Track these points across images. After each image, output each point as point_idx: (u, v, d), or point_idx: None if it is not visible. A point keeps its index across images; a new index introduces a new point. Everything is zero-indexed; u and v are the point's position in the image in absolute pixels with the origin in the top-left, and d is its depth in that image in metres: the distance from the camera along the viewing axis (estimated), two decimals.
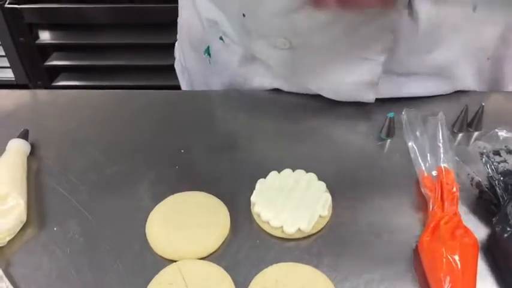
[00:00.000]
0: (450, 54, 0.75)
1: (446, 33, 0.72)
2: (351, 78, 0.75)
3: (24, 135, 0.73)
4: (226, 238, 0.61)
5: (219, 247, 0.60)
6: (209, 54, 0.87)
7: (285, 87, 0.82)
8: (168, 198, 0.65)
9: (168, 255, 0.59)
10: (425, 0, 0.67)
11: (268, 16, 0.70)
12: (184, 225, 0.62)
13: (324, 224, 0.63)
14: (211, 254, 0.59)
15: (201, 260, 0.59)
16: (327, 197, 0.64)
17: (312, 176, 0.67)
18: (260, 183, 0.66)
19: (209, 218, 0.63)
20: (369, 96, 0.77)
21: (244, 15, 0.71)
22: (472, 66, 0.79)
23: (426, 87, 0.80)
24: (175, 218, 0.63)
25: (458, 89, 0.81)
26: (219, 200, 0.65)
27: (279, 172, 0.68)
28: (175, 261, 0.58)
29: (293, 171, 0.68)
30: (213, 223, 0.62)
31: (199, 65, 0.91)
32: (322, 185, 0.66)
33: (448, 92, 0.81)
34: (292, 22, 0.68)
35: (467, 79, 0.80)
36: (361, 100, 0.77)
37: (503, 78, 0.83)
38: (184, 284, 0.55)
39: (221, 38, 0.81)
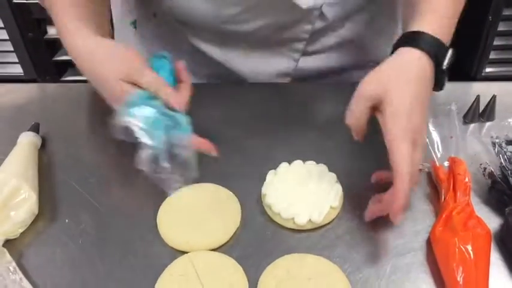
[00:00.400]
0: (357, 27, 0.82)
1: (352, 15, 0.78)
2: (270, 69, 0.86)
3: (35, 129, 0.73)
4: (237, 229, 0.61)
5: (230, 238, 0.60)
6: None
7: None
8: (179, 190, 0.65)
9: (179, 247, 0.59)
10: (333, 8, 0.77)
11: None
12: (195, 217, 0.62)
13: (335, 215, 0.62)
14: (222, 246, 0.59)
15: (213, 252, 0.59)
16: (338, 188, 0.64)
17: (323, 167, 0.67)
18: (271, 175, 0.66)
19: (220, 209, 0.63)
20: (284, 80, 0.88)
21: None
22: (381, 35, 0.85)
23: (339, 60, 0.87)
24: (186, 209, 0.63)
25: (371, 58, 0.87)
26: (229, 192, 0.65)
27: (289, 164, 0.68)
28: (186, 252, 0.59)
29: (303, 162, 0.68)
30: (224, 215, 0.62)
31: None
32: (333, 176, 0.66)
33: (361, 63, 0.87)
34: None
35: (379, 48, 0.86)
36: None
37: None
38: (196, 275, 0.55)
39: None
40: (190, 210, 0.63)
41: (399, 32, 0.85)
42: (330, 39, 0.84)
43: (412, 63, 0.58)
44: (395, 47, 0.61)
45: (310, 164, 0.68)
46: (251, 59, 0.85)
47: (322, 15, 0.78)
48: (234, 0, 0.74)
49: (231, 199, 0.64)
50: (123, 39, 0.90)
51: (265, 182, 0.65)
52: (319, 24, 0.80)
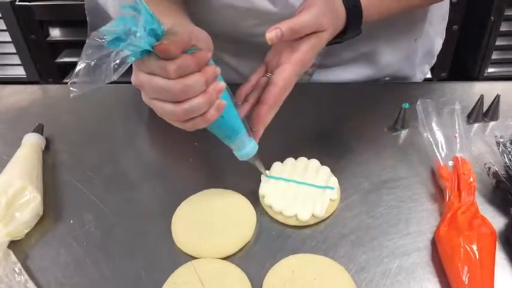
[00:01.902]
0: (373, 43, 0.82)
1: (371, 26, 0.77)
2: None
3: (39, 130, 0.73)
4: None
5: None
6: None
7: None
8: (200, 192, 0.65)
9: (187, 250, 0.59)
10: None
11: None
12: (210, 223, 0.61)
13: (335, 207, 0.63)
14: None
15: (217, 259, 0.58)
16: (334, 180, 0.65)
17: (315, 162, 0.68)
18: (265, 175, 0.66)
19: (235, 220, 0.62)
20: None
21: None
22: (397, 50, 0.85)
23: (356, 73, 0.86)
24: (203, 214, 0.63)
25: (386, 73, 0.87)
26: (248, 202, 0.64)
27: (281, 162, 0.68)
28: (193, 257, 0.58)
29: (295, 159, 0.68)
30: (238, 226, 0.61)
31: None
32: (327, 169, 0.67)
33: (376, 77, 0.87)
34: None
35: (395, 63, 0.86)
36: None
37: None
38: (200, 283, 0.55)
39: None
40: (206, 215, 0.62)
41: (416, 47, 0.85)
42: (346, 54, 0.84)
43: (341, 18, 0.63)
44: None
45: (302, 160, 0.68)
46: None
47: None
48: (252, 13, 0.74)
49: (249, 211, 0.63)
50: None
51: (261, 183, 0.65)
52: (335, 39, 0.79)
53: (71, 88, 0.49)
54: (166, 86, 0.49)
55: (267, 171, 0.66)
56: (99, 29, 0.47)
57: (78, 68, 0.49)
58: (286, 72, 0.59)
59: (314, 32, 0.59)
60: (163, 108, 0.52)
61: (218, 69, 0.53)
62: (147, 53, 0.48)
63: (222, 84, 0.53)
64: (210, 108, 0.52)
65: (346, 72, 0.87)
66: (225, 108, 0.54)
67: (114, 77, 0.49)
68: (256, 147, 0.61)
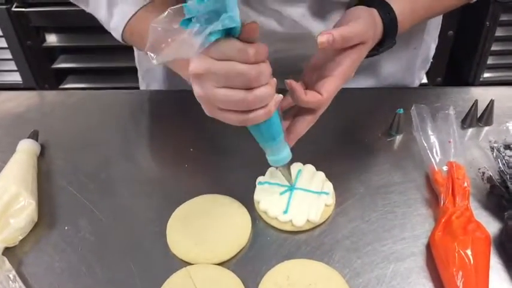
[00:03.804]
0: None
1: None
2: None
3: (34, 136, 0.73)
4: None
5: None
6: None
7: None
8: (195, 198, 0.65)
9: (182, 256, 0.59)
10: None
11: None
12: (205, 229, 0.61)
13: (330, 212, 0.63)
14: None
15: (212, 265, 0.58)
16: (329, 186, 0.65)
17: (310, 167, 0.68)
18: (260, 181, 0.66)
19: (231, 226, 0.62)
20: None
21: None
22: (398, 60, 0.84)
23: (357, 83, 0.85)
24: (198, 219, 0.62)
25: (387, 83, 0.87)
26: (243, 207, 0.64)
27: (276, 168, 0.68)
28: (188, 263, 0.58)
29: (290, 164, 0.68)
30: (233, 232, 0.61)
31: None
32: (322, 174, 0.67)
33: (377, 86, 0.86)
34: None
35: (396, 72, 0.86)
36: None
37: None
38: None
39: None
40: (202, 221, 0.62)
41: (415, 56, 0.86)
42: None
43: (378, 30, 0.63)
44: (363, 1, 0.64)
45: (297, 165, 0.68)
46: None
47: None
48: (261, 31, 0.74)
49: (244, 217, 0.63)
50: None
51: (256, 189, 0.65)
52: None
53: (151, 54, 0.48)
54: (244, 70, 0.49)
55: (261, 177, 0.66)
56: (184, 4, 0.46)
57: (153, 38, 0.48)
58: (331, 85, 0.59)
59: (356, 45, 0.59)
60: (234, 97, 0.51)
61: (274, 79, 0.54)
62: (225, 35, 0.48)
63: (275, 80, 0.54)
64: (271, 101, 0.53)
65: (347, 82, 0.87)
66: None
67: (198, 51, 0.48)
68: (291, 155, 0.61)
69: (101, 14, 0.72)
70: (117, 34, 0.71)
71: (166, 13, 0.47)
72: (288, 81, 0.58)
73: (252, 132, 0.58)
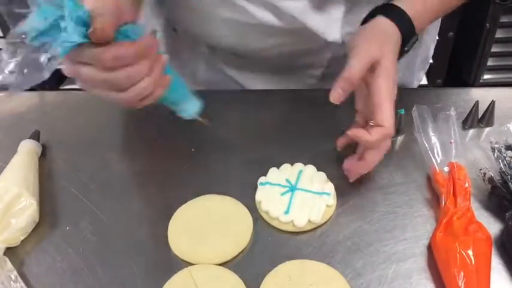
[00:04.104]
0: None
1: None
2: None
3: (35, 136, 0.73)
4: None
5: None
6: None
7: None
8: (197, 198, 0.65)
9: (184, 257, 0.59)
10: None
11: None
12: (206, 230, 0.61)
13: (332, 213, 0.63)
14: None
15: (213, 265, 0.58)
16: (331, 186, 0.65)
17: (312, 168, 0.68)
18: (261, 181, 0.66)
19: (232, 226, 0.62)
20: None
21: None
22: (399, 62, 0.83)
23: None
24: (200, 220, 0.62)
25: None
26: (244, 208, 0.64)
27: (278, 168, 0.68)
28: (189, 263, 0.58)
29: (291, 165, 0.68)
30: (235, 233, 0.61)
31: None
32: (323, 175, 0.67)
33: None
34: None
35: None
36: None
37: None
38: None
39: None
40: (203, 221, 0.62)
41: (415, 56, 0.86)
42: None
43: (393, 34, 0.62)
44: (374, 13, 0.64)
45: (298, 166, 0.68)
46: (268, 82, 0.85)
47: (343, 43, 0.77)
48: (258, 28, 0.74)
49: (245, 217, 0.63)
50: None
51: (257, 189, 0.65)
52: (339, 51, 0.78)
53: (1, 94, 0.47)
54: (107, 78, 0.47)
55: (263, 178, 0.66)
56: (17, 28, 0.43)
57: (6, 69, 0.46)
58: (385, 112, 0.58)
59: (373, 66, 0.58)
60: (109, 97, 0.50)
61: (164, 57, 0.51)
62: (78, 45, 0.44)
63: (164, 57, 0.52)
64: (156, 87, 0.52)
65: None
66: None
67: (46, 75, 0.46)
68: (199, 105, 0.61)
69: None
70: None
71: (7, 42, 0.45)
72: (349, 132, 0.60)
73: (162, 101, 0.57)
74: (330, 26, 0.74)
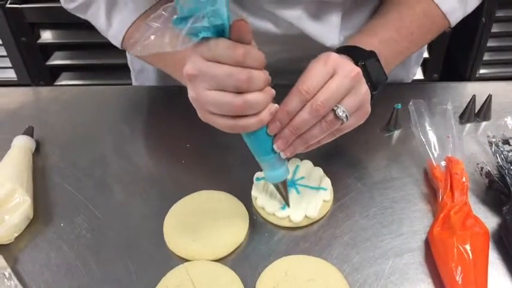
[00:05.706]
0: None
1: None
2: None
3: (29, 132, 0.72)
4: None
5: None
6: None
7: None
8: (192, 194, 0.65)
9: (180, 253, 0.59)
10: None
11: None
12: (202, 225, 0.61)
13: (329, 208, 0.63)
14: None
15: (209, 261, 0.58)
16: (327, 182, 0.65)
17: (308, 163, 0.68)
18: (257, 177, 0.66)
19: (228, 222, 0.61)
20: None
21: None
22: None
23: None
24: (196, 216, 0.62)
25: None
26: (240, 203, 0.64)
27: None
28: (184, 259, 0.58)
29: (288, 160, 0.68)
30: (231, 229, 0.61)
31: None
32: (320, 170, 0.66)
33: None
34: None
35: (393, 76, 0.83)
36: None
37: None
38: (192, 286, 0.54)
39: None
40: (199, 217, 0.62)
41: (413, 55, 0.85)
42: None
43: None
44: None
45: (295, 161, 0.68)
46: None
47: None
48: (256, 35, 0.73)
49: (242, 213, 0.63)
50: None
51: (253, 185, 0.65)
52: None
53: (138, 48, 0.47)
54: (232, 72, 0.48)
55: (259, 173, 0.65)
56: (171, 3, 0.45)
57: (148, 33, 0.47)
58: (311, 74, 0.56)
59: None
60: (222, 99, 0.50)
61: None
62: (216, 35, 0.47)
63: (273, 91, 0.52)
64: (264, 109, 0.51)
65: None
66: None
67: (182, 47, 0.46)
68: (287, 174, 0.59)
69: (99, 22, 0.72)
70: (116, 42, 0.71)
71: (158, 12, 0.46)
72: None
73: (247, 143, 0.56)
74: (328, 31, 0.74)
